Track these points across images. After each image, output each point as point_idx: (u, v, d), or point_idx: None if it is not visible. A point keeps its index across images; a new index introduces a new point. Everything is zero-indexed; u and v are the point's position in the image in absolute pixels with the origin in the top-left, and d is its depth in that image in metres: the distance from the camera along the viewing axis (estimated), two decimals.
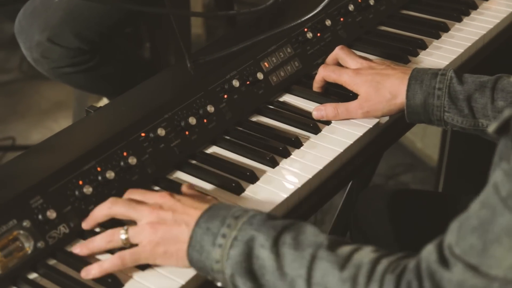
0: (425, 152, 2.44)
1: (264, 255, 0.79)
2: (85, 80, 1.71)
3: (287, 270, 0.78)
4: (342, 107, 1.14)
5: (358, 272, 0.75)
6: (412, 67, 1.29)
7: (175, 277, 0.89)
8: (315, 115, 1.15)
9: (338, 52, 1.21)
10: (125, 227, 0.90)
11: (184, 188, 0.99)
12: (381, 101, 1.12)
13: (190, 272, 0.89)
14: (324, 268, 0.76)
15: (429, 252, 0.73)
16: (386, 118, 1.16)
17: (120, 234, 0.90)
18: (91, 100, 2.23)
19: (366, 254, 0.77)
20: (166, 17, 1.96)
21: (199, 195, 0.96)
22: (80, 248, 0.92)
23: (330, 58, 1.23)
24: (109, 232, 0.91)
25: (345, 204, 1.62)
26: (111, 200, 0.94)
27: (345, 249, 0.78)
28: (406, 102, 1.10)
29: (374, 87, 1.12)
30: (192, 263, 0.86)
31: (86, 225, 0.95)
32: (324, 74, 1.19)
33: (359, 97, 1.14)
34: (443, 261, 0.70)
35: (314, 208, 1.09)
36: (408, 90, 1.09)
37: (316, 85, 1.22)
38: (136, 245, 0.89)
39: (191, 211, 0.88)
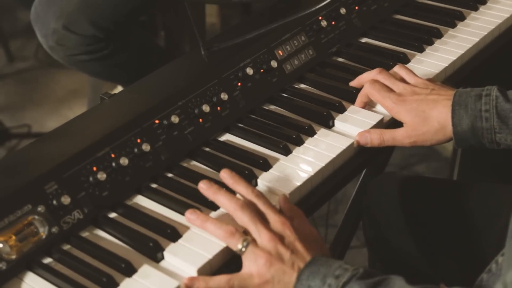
0: None
1: None
2: (100, 68, 1.71)
3: None
4: (388, 134, 1.08)
5: None
6: (427, 55, 1.29)
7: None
8: (359, 140, 1.09)
9: (377, 77, 1.14)
10: (247, 240, 0.89)
11: (282, 204, 0.96)
12: (429, 131, 1.06)
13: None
14: None
15: None
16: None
17: (238, 243, 0.89)
18: (106, 88, 2.24)
19: None
20: (181, 5, 1.96)
21: (307, 225, 0.93)
22: (195, 218, 0.93)
23: (366, 79, 1.16)
24: (231, 230, 0.90)
25: (358, 193, 1.61)
26: (241, 204, 0.92)
27: None
28: (453, 129, 1.04)
29: (421, 116, 1.06)
30: None
31: (205, 189, 0.95)
32: (369, 91, 1.12)
33: (405, 125, 1.08)
34: None
35: (327, 197, 1.09)
36: (453, 117, 1.04)
37: (361, 99, 1.15)
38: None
39: (308, 257, 0.88)
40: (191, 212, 0.94)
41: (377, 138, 1.09)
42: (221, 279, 0.88)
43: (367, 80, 1.15)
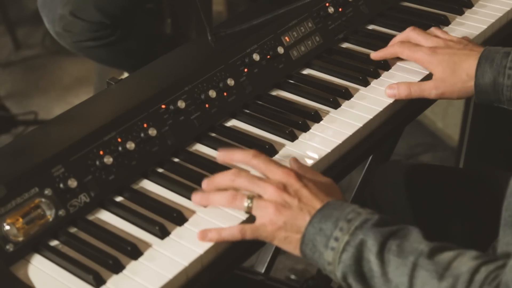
0: (446, 132, 2.42)
1: (371, 259, 0.81)
2: (106, 54, 1.71)
3: (391, 276, 0.80)
4: (415, 86, 1.11)
5: (456, 282, 0.76)
6: None
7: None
8: (388, 93, 1.12)
9: (410, 33, 1.17)
10: (250, 196, 0.90)
11: (292, 164, 0.96)
12: (457, 83, 1.08)
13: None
14: (423, 276, 0.78)
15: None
16: None
17: (244, 201, 0.90)
18: (113, 75, 2.24)
19: (465, 261, 0.78)
20: None
21: (318, 178, 0.94)
22: (200, 198, 0.94)
23: (398, 39, 1.19)
24: (233, 193, 0.91)
25: (363, 181, 1.62)
26: (234, 172, 0.92)
27: (445, 256, 0.79)
28: (475, 81, 1.06)
29: (451, 67, 1.08)
30: (305, 257, 0.88)
31: (205, 186, 0.95)
32: (398, 50, 1.16)
33: (434, 77, 1.11)
34: None
35: None
36: (477, 69, 1.06)
37: (383, 55, 1.18)
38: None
39: (316, 203, 0.88)
40: (195, 194, 0.95)
41: (404, 90, 1.11)
42: (234, 228, 0.89)
43: (401, 39, 1.18)
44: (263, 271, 1.59)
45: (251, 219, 0.92)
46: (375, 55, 1.21)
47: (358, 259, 0.82)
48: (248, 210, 0.90)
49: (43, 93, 2.75)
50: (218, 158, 0.99)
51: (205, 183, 0.96)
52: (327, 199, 0.88)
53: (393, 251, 0.80)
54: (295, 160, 0.97)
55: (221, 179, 0.94)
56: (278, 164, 0.93)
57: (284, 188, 0.89)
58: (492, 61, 1.06)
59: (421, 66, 1.14)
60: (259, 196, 0.90)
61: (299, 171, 0.94)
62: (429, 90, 1.10)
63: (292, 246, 0.88)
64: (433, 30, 1.20)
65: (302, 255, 0.87)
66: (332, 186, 0.93)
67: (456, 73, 1.08)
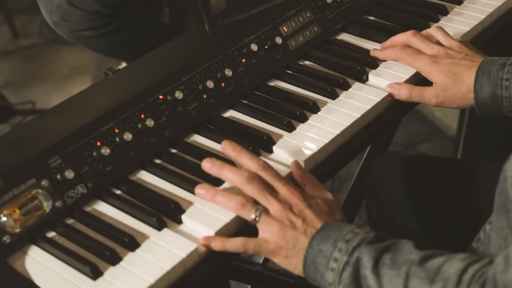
0: (444, 122, 2.42)
1: (368, 274, 0.82)
2: (104, 44, 1.71)
3: None
4: (417, 91, 1.11)
5: (446, 285, 0.77)
6: None
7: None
8: (387, 91, 1.12)
9: (411, 39, 1.16)
10: (259, 210, 0.90)
11: (294, 171, 0.97)
12: (457, 94, 1.09)
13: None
14: (416, 284, 0.79)
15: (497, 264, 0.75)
16: None
17: (251, 213, 0.90)
18: (111, 65, 2.23)
19: (454, 264, 0.79)
20: None
21: (320, 192, 0.94)
22: (206, 194, 0.93)
23: (399, 41, 1.18)
24: (242, 201, 0.90)
25: (361, 171, 1.62)
26: (247, 176, 0.91)
27: (435, 262, 0.80)
28: (474, 95, 1.07)
29: (451, 78, 1.08)
30: (307, 278, 0.88)
31: (213, 170, 0.94)
32: (399, 56, 1.16)
33: (435, 85, 1.10)
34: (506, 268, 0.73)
35: (330, 173, 1.09)
36: (475, 83, 1.06)
37: (385, 56, 1.18)
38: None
39: (318, 224, 0.88)
40: (200, 187, 0.94)
41: (405, 92, 1.11)
42: (237, 241, 0.89)
43: (400, 42, 1.18)
44: (261, 261, 1.59)
45: None
46: (375, 54, 1.20)
47: (356, 277, 0.83)
48: (254, 223, 0.90)
49: (41, 82, 2.74)
50: (224, 147, 0.97)
51: (209, 165, 0.94)
52: (330, 218, 0.89)
53: (386, 265, 0.82)
54: (298, 166, 0.97)
55: (232, 177, 0.93)
56: (285, 180, 0.93)
57: (290, 207, 0.90)
58: (489, 74, 1.05)
59: (422, 74, 1.13)
60: (266, 210, 0.90)
61: (301, 180, 0.95)
62: (430, 97, 1.10)
63: (292, 266, 0.89)
64: (434, 31, 1.18)
65: (305, 276, 0.88)
66: (332, 202, 0.93)
67: (457, 85, 1.08)
